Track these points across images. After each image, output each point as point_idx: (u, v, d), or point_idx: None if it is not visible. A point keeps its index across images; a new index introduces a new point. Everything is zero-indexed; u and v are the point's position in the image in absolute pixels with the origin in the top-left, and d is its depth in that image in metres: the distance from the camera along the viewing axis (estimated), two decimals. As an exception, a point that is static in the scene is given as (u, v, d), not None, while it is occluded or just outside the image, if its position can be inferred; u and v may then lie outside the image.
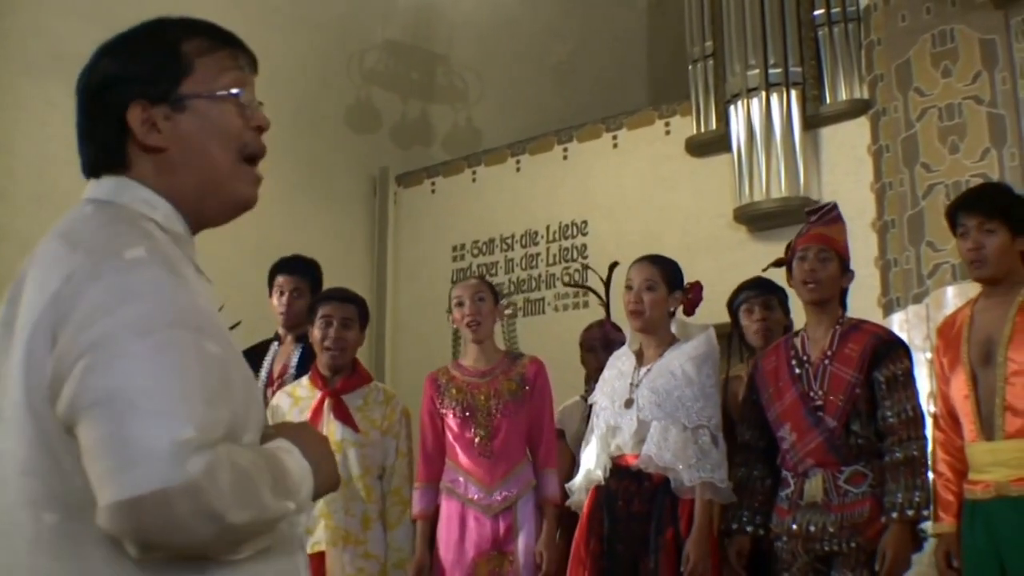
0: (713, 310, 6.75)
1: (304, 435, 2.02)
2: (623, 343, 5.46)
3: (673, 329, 5.23)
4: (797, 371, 4.81)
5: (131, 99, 1.97)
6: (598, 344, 6.26)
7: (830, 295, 4.84)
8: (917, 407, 4.63)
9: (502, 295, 6.42)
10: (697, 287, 5.33)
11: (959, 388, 4.53)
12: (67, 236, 1.86)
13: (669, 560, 4.87)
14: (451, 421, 5.59)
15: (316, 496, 1.97)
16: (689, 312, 5.32)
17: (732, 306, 5.79)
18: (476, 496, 5.46)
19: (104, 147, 1.99)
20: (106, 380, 1.68)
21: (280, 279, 6.06)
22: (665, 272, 5.21)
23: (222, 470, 1.69)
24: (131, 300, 1.74)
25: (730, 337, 5.76)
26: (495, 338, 5.87)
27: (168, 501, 1.63)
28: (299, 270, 6.09)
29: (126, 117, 1.97)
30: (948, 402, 4.65)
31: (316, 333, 5.44)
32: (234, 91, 2.08)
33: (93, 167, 2.02)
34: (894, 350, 4.72)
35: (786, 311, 5.65)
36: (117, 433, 1.65)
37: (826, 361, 4.74)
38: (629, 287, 5.20)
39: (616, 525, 5.02)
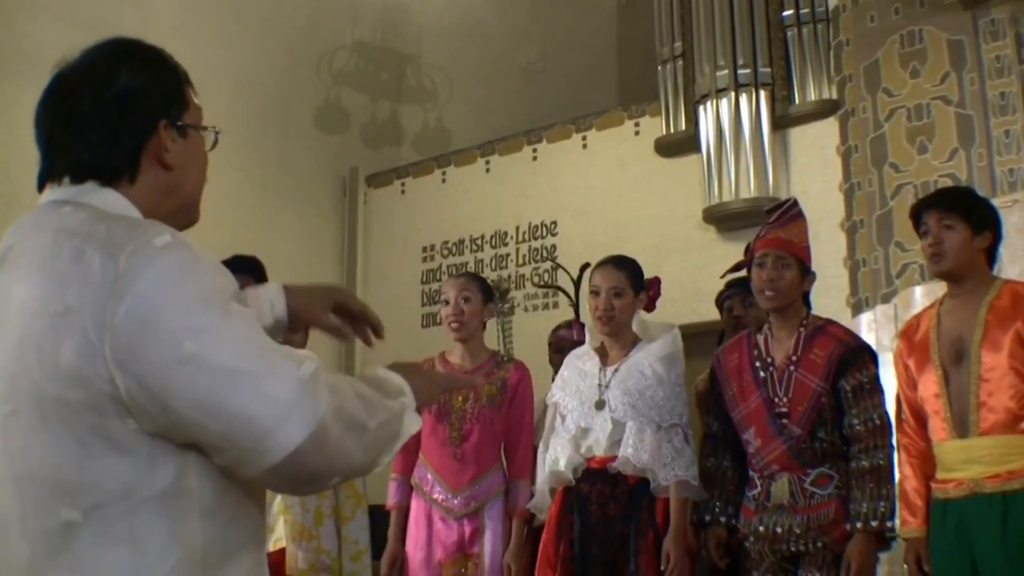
0: (682, 310, 6.82)
1: (395, 365, 2.18)
2: (589, 343, 5.43)
3: (634, 327, 5.22)
4: (761, 375, 4.77)
5: (160, 116, 2.04)
6: (567, 344, 6.24)
7: (790, 301, 4.79)
8: (884, 415, 4.62)
9: (499, 289, 6.35)
10: (656, 283, 5.30)
11: (929, 387, 4.53)
12: (68, 232, 1.86)
13: (650, 561, 4.87)
14: (427, 416, 5.52)
15: (423, 402, 2.14)
16: (649, 308, 5.30)
17: (719, 302, 5.83)
18: (440, 497, 5.41)
19: (125, 154, 2.01)
20: (216, 361, 1.76)
21: None
22: (631, 276, 5.17)
23: (340, 385, 1.89)
24: (190, 280, 1.81)
25: (721, 335, 5.78)
26: (489, 336, 5.80)
27: (324, 433, 1.79)
28: (240, 268, 6.01)
29: (156, 132, 2.03)
30: (913, 405, 4.65)
31: None
32: (217, 128, 2.19)
33: (88, 171, 2.00)
34: (860, 357, 4.70)
35: None
36: (252, 401, 1.76)
37: (791, 367, 4.71)
38: (595, 292, 5.14)
39: (589, 528, 4.99)
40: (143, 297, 1.76)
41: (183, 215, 2.12)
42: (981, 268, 4.54)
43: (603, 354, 5.23)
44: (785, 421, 4.64)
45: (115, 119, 2.00)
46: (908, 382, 4.67)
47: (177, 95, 2.09)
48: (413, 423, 2.08)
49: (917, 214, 4.64)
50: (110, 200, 1.97)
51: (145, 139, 2.02)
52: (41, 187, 2.05)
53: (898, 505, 4.60)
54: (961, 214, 4.50)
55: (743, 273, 5.39)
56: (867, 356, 4.73)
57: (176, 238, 1.86)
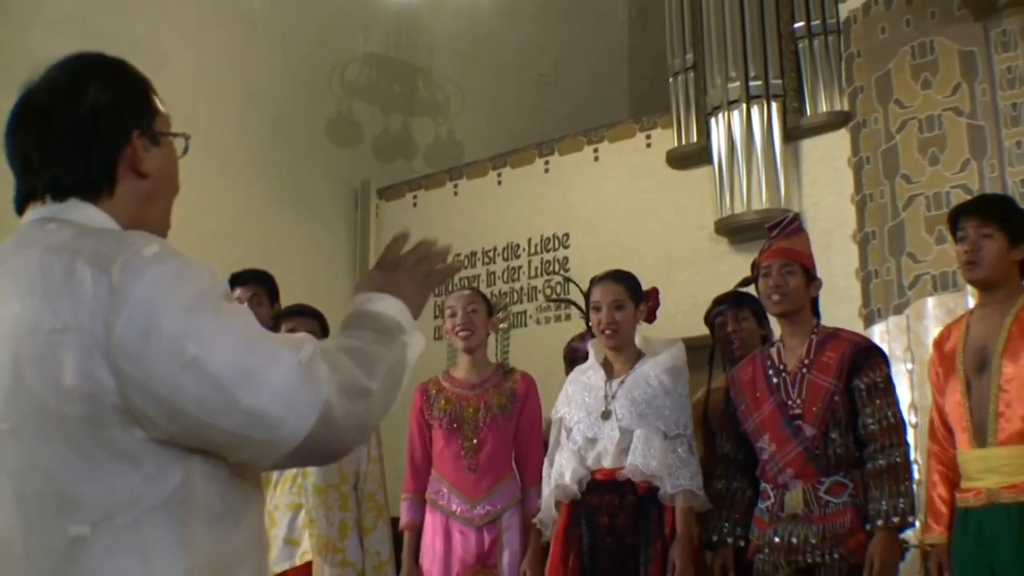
0: (694, 322, 6.79)
1: (374, 278, 2.23)
2: (601, 355, 5.45)
3: (637, 342, 5.24)
4: (774, 381, 4.82)
5: (132, 127, 2.06)
6: (581, 356, 6.25)
7: (798, 306, 4.84)
8: (898, 413, 4.65)
9: (498, 307, 6.42)
10: (654, 294, 5.36)
11: (953, 396, 4.56)
12: (55, 249, 1.87)
13: (659, 571, 4.90)
14: (438, 432, 5.57)
15: (420, 307, 2.22)
16: (650, 320, 5.34)
17: (708, 320, 5.81)
18: (459, 509, 5.44)
19: (102, 168, 2.03)
20: (219, 361, 1.79)
21: (237, 291, 6.02)
22: (630, 289, 5.24)
23: (337, 356, 1.91)
24: (182, 286, 1.83)
25: (711, 350, 5.76)
26: (487, 350, 5.85)
27: (331, 412, 1.84)
28: (252, 279, 6.07)
29: (128, 143, 2.05)
30: (942, 413, 4.67)
31: None
32: (188, 134, 2.20)
33: (69, 189, 2.02)
34: (872, 357, 4.74)
35: (761, 322, 5.65)
36: (258, 394, 1.80)
37: (803, 370, 4.75)
38: (596, 308, 5.22)
39: (599, 539, 5.01)
40: (140, 307, 1.78)
41: (166, 223, 2.16)
42: (1013, 279, 4.56)
43: (608, 367, 5.27)
44: (799, 423, 4.67)
45: (87, 134, 2.02)
46: (939, 389, 4.69)
47: (145, 105, 2.12)
48: (415, 348, 2.12)
49: (955, 219, 4.65)
50: (92, 216, 2.00)
51: (119, 151, 2.04)
52: (20, 207, 2.08)
53: (923, 512, 4.62)
54: (1001, 224, 4.51)
55: (735, 289, 5.47)
56: (879, 356, 4.78)
57: (164, 246, 1.89)
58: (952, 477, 4.63)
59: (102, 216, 2.00)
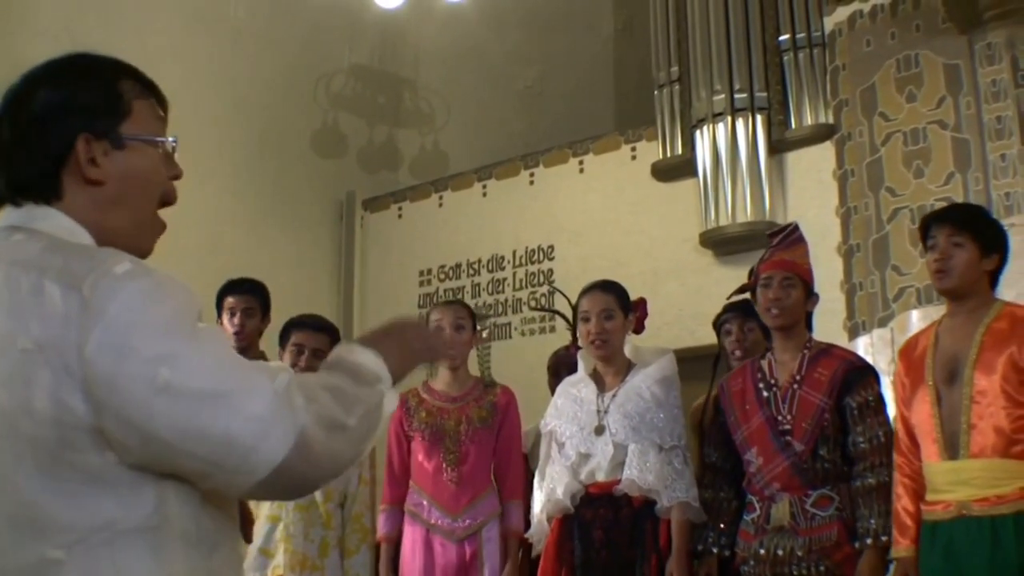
0: (679, 334, 6.82)
1: (371, 335, 2.16)
2: (588, 367, 5.43)
3: (627, 352, 5.22)
4: (765, 394, 4.80)
5: (78, 131, 1.96)
6: (565, 369, 6.23)
7: (795, 320, 4.83)
8: (889, 433, 4.63)
9: (482, 317, 6.37)
10: (642, 304, 5.34)
11: (922, 407, 4.52)
12: (22, 264, 1.81)
13: None
14: (418, 444, 5.54)
15: (400, 375, 2.11)
16: (638, 330, 5.32)
17: (716, 325, 5.80)
18: (439, 521, 5.41)
19: (41, 174, 1.95)
20: (192, 386, 1.74)
21: (230, 300, 5.96)
22: (619, 298, 5.20)
23: (315, 390, 1.86)
24: (155, 307, 1.77)
25: (716, 356, 5.74)
26: (469, 363, 5.84)
27: (307, 442, 1.79)
28: (248, 290, 6.00)
29: (73, 147, 1.95)
30: (907, 424, 4.63)
31: (287, 359, 5.36)
32: (171, 140, 2.10)
33: (16, 193, 1.96)
34: (864, 376, 4.74)
35: (767, 333, 5.63)
36: (232, 422, 1.74)
37: (795, 385, 4.73)
38: (585, 318, 5.17)
39: (593, 553, 4.99)
40: (112, 328, 1.72)
41: (141, 235, 2.06)
42: (984, 289, 4.52)
43: (599, 380, 5.23)
44: (788, 438, 4.66)
45: (31, 139, 1.96)
46: (905, 401, 4.66)
47: (108, 106, 2.00)
48: (390, 404, 2.05)
49: (926, 226, 4.62)
50: (61, 224, 1.93)
51: (63, 156, 1.95)
52: None
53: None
54: (972, 233, 4.47)
55: (744, 296, 5.42)
56: (871, 375, 4.77)
57: (136, 264, 1.82)
58: (917, 489, 4.59)
59: (70, 224, 1.93)
